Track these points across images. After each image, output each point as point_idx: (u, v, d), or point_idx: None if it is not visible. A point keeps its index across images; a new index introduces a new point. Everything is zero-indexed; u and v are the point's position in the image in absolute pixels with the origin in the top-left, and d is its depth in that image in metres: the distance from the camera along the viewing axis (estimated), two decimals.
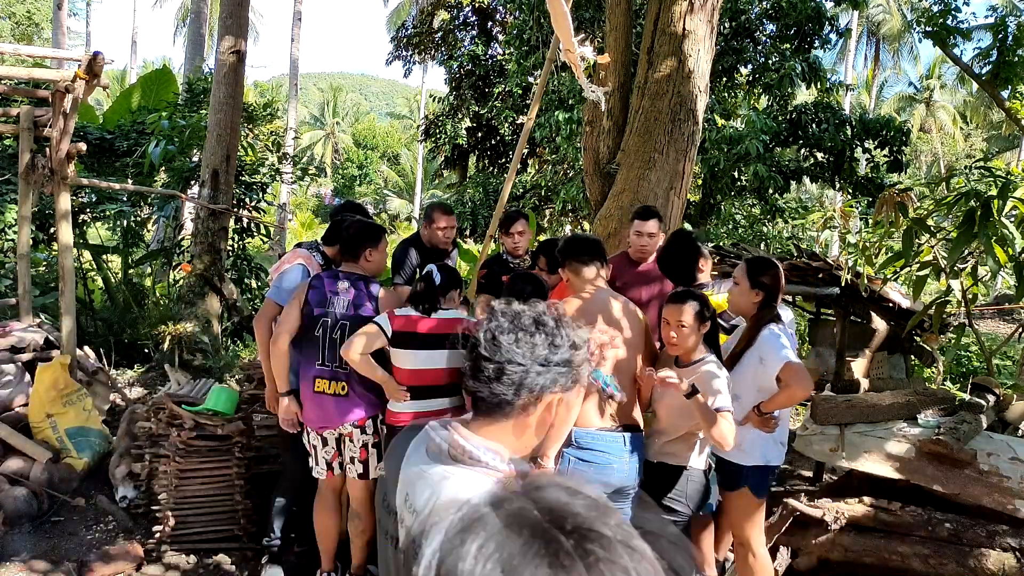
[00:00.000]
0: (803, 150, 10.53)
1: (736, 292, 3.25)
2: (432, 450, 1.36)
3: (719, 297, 3.77)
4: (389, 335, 3.19)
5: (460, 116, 15.45)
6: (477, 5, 15.36)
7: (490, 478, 1.25)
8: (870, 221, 4.55)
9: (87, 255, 8.65)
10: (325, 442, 3.47)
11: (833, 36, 10.70)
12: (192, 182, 8.54)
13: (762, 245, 11.02)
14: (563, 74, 10.27)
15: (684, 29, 5.01)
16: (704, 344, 3.02)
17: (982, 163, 4.72)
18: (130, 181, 8.70)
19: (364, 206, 4.52)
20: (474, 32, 15.75)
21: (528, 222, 4.64)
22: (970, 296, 5.02)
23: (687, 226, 11.13)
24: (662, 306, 3.10)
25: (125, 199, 8.41)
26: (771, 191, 10.01)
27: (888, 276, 5.12)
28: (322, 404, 3.39)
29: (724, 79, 10.45)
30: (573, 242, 3.19)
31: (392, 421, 3.28)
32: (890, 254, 4.27)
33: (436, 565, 0.67)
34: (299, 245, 3.93)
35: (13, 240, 7.12)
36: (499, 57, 14.78)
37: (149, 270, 9.56)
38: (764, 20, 10.41)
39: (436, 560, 0.68)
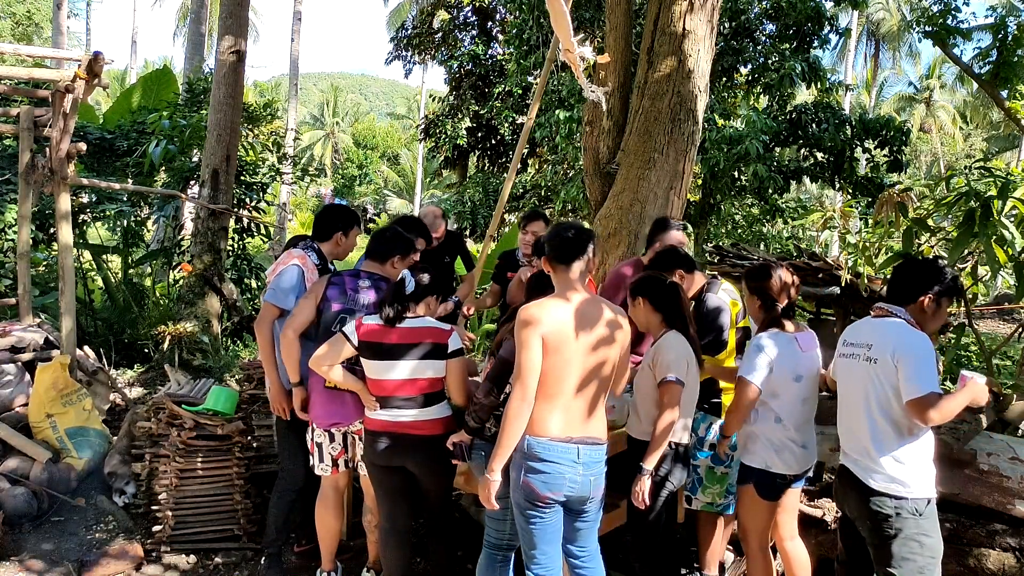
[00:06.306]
0: (803, 150, 10.50)
1: (747, 303, 3.37)
2: None
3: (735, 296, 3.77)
4: (355, 344, 3.13)
5: (460, 116, 15.44)
6: (477, 5, 15.36)
7: None
8: (870, 221, 4.53)
9: (87, 255, 8.65)
10: (332, 438, 3.48)
11: (833, 36, 10.67)
12: (192, 182, 8.55)
13: (762, 245, 10.99)
14: (563, 74, 10.26)
15: (684, 29, 5.01)
16: (665, 321, 3.16)
17: (982, 163, 4.71)
18: (130, 181, 8.71)
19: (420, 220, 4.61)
20: (474, 32, 15.76)
21: (547, 224, 4.66)
22: (970, 296, 5.02)
23: (687, 226, 11.12)
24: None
25: (125, 199, 8.40)
26: (771, 191, 9.99)
27: (888, 276, 5.11)
28: (334, 399, 3.38)
29: (724, 79, 10.43)
30: (559, 236, 2.82)
31: (367, 426, 3.26)
32: (890, 254, 4.26)
33: None
34: (292, 244, 3.85)
35: (13, 240, 7.12)
36: (499, 57, 14.78)
37: (149, 270, 9.57)
38: (764, 20, 10.38)
39: None
